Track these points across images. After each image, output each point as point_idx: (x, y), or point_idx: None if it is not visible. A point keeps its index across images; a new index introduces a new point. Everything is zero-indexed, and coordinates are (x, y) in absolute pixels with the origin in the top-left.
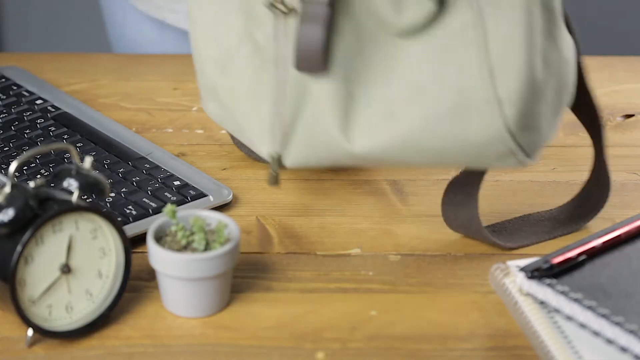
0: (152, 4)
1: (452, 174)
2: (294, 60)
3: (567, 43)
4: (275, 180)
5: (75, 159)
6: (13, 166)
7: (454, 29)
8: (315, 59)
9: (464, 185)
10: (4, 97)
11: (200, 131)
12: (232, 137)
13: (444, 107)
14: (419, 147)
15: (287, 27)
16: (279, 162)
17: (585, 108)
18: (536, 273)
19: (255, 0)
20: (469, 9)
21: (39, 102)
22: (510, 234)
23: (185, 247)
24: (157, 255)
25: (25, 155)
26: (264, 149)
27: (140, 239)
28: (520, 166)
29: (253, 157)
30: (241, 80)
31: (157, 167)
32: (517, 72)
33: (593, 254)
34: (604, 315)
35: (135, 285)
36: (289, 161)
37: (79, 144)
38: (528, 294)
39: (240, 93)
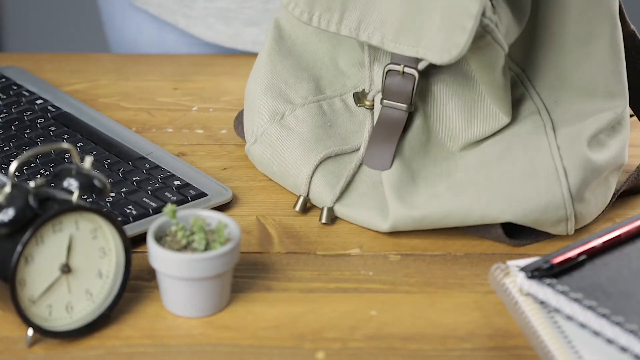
0: (165, 8)
1: None
2: (363, 157)
3: (626, 129)
4: (332, 221)
5: (76, 158)
6: (13, 166)
7: (523, 130)
8: (384, 162)
9: None
10: (4, 97)
11: (200, 131)
12: (236, 127)
13: (509, 177)
14: (481, 212)
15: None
16: (331, 211)
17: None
18: (536, 273)
19: (325, 83)
20: (540, 119)
21: (39, 102)
22: (519, 230)
23: (186, 247)
24: (157, 255)
25: (25, 155)
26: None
27: (141, 239)
28: (563, 234)
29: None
30: (297, 132)
31: (157, 167)
32: (581, 155)
33: (593, 254)
34: (604, 315)
35: (136, 285)
36: (341, 213)
37: (79, 144)
38: (528, 294)
39: (293, 142)
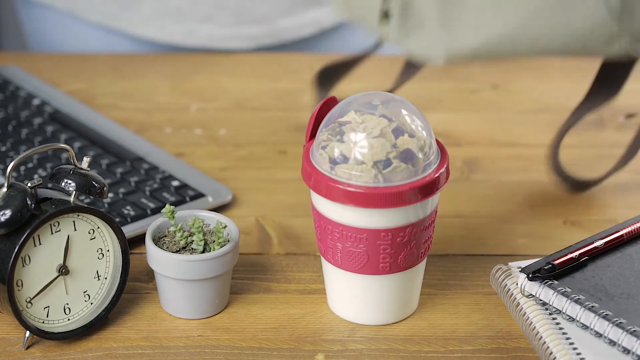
0: (107, 15)
1: None
2: None
3: None
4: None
5: (73, 158)
6: (10, 166)
7: None
8: None
9: None
10: (1, 96)
11: (199, 131)
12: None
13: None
14: (527, 37)
15: None
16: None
17: None
18: (538, 274)
19: None
20: None
21: (36, 101)
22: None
23: (184, 248)
24: (156, 257)
25: (22, 155)
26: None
27: (139, 240)
28: (626, 53)
29: None
30: None
31: (156, 167)
32: None
33: (595, 254)
34: (606, 317)
35: (134, 286)
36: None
37: (76, 144)
38: (530, 295)
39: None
